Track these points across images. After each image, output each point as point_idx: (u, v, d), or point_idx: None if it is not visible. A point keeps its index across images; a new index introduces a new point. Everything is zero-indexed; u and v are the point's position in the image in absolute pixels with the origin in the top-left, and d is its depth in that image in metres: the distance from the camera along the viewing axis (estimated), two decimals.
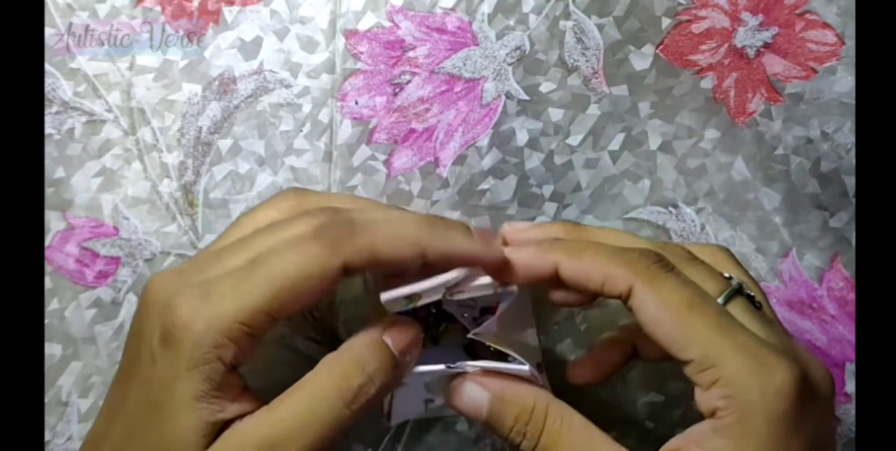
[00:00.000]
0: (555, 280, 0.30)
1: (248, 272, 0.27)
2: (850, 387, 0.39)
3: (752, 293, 0.30)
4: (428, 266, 0.29)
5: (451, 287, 0.29)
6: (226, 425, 0.27)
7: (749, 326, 0.28)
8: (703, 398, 0.27)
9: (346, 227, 0.27)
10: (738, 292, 0.29)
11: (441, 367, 0.30)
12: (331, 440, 0.27)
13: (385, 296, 0.29)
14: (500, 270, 0.30)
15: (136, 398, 0.28)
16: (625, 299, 0.28)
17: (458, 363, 0.30)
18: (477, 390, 0.30)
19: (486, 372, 0.30)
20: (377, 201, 0.36)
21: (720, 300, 0.29)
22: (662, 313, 0.27)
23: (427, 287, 0.29)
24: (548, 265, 0.29)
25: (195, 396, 0.26)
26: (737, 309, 0.29)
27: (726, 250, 0.33)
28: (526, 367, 0.29)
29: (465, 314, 0.32)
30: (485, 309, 0.33)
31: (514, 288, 0.30)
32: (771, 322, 0.30)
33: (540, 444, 0.28)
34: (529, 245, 0.30)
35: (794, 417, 0.26)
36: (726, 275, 0.31)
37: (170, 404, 0.27)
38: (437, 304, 0.32)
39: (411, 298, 0.29)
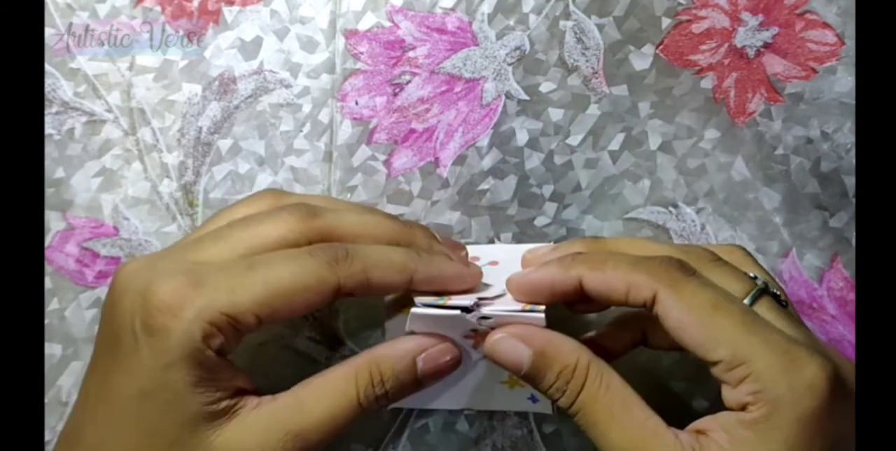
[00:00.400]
0: (578, 294, 0.30)
1: (246, 270, 0.27)
2: None
3: (778, 292, 0.30)
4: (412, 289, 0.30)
5: (482, 298, 0.30)
6: (229, 403, 0.27)
7: (777, 324, 0.28)
8: (732, 395, 0.27)
9: (341, 250, 0.28)
10: (764, 291, 0.29)
11: (457, 313, 0.30)
12: (341, 434, 0.28)
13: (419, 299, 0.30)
14: (526, 290, 0.30)
15: (121, 388, 0.27)
16: (650, 307, 0.28)
17: (474, 312, 0.30)
18: (518, 344, 0.29)
19: (528, 327, 0.30)
20: (352, 203, 0.36)
21: (747, 301, 0.29)
22: (686, 316, 0.27)
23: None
24: (571, 280, 0.29)
25: (192, 382, 0.26)
26: (763, 308, 0.29)
27: (744, 250, 0.32)
28: (542, 315, 0.29)
29: (483, 325, 0.32)
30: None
31: (542, 307, 0.30)
32: (798, 320, 0.30)
33: (578, 402, 0.28)
34: (551, 263, 0.30)
35: (822, 414, 0.26)
36: (751, 275, 0.30)
37: (163, 393, 0.26)
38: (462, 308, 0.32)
39: (441, 295, 0.30)
